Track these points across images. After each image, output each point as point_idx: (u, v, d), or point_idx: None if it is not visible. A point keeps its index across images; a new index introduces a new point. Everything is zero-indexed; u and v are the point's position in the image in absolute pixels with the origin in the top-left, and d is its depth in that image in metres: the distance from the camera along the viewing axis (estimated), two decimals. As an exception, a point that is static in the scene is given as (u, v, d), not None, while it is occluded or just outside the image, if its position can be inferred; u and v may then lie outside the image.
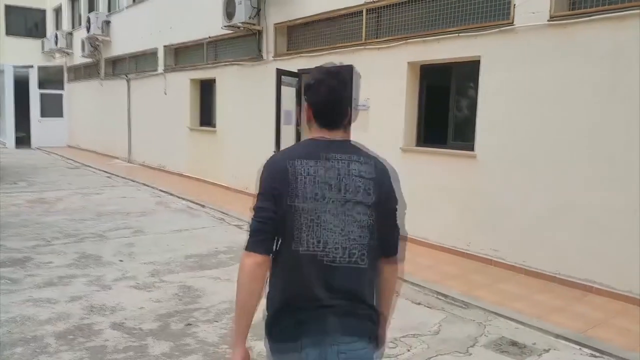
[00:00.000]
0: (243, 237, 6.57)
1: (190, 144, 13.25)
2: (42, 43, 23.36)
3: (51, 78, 21.96)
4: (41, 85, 21.45)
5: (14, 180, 12.53)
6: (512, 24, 5.98)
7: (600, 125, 5.29)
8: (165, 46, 13.87)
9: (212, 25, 11.16)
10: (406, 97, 7.31)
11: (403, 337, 4.28)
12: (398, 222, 2.12)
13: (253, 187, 10.71)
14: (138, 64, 15.86)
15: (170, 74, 13.84)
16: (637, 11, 4.96)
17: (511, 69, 6.04)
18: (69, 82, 21.99)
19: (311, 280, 1.82)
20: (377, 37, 7.74)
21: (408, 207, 7.64)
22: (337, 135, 1.98)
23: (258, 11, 9.96)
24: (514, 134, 6.05)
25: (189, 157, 13.29)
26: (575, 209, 5.52)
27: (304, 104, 2.01)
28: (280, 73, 8.60)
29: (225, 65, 11.41)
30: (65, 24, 21.93)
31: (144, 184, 12.18)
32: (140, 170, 14.78)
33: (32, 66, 21.16)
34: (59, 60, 22.67)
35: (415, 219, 7.22)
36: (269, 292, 1.97)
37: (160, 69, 14.21)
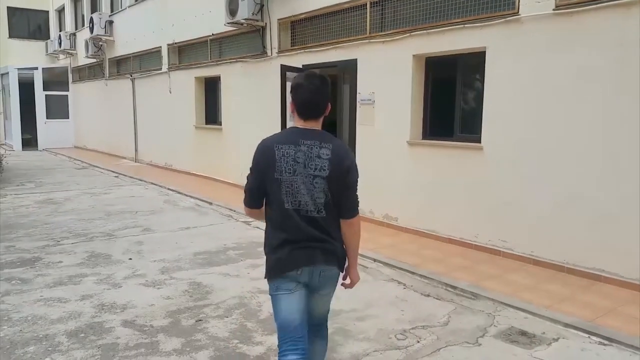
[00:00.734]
0: (251, 233, 6.69)
1: (196, 142, 13.28)
2: (46, 45, 23.45)
3: (56, 79, 22.04)
4: (46, 86, 21.53)
5: (22, 181, 12.60)
6: (517, 13, 5.95)
7: (608, 115, 5.26)
8: (168, 44, 13.89)
9: (215, 22, 11.17)
10: (412, 90, 7.29)
11: (413, 328, 4.29)
12: (352, 192, 2.78)
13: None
14: (142, 63, 15.90)
15: (174, 72, 13.86)
16: (643, -2, 4.93)
17: (517, 60, 6.02)
18: (74, 83, 22.07)
19: (295, 225, 2.67)
20: (381, 30, 7.72)
21: (415, 199, 7.72)
22: (310, 125, 2.74)
23: (261, 7, 9.95)
24: (520, 125, 6.03)
25: (195, 155, 13.33)
26: (583, 199, 5.51)
27: (290, 100, 2.78)
28: (285, 69, 8.60)
29: (230, 62, 11.42)
30: (69, 25, 21.99)
31: (152, 183, 12.23)
32: (148, 170, 14.84)
33: (36, 68, 21.24)
34: (63, 62, 22.75)
35: (422, 212, 7.24)
36: (267, 237, 2.82)
37: (165, 67, 14.23)
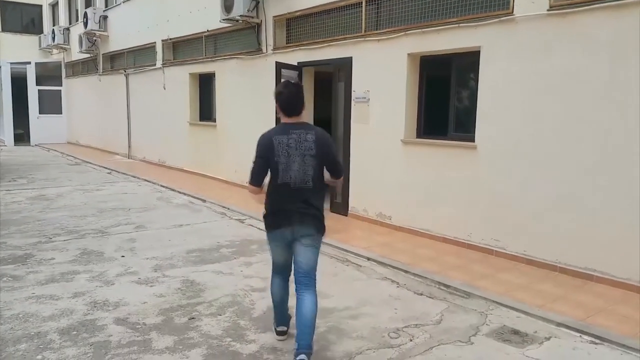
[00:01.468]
0: (245, 231, 6.70)
1: (190, 139, 13.24)
2: (39, 39, 23.31)
3: (49, 74, 21.91)
4: (39, 81, 21.41)
5: (14, 177, 12.54)
6: (511, 13, 5.96)
7: (601, 115, 5.28)
8: (163, 40, 13.83)
9: (211, 18, 11.13)
10: (406, 89, 7.29)
11: (405, 327, 4.30)
12: (337, 160, 3.89)
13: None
14: (136, 58, 15.83)
15: (168, 68, 13.81)
16: (637, -1, 4.95)
17: (511, 59, 6.03)
18: (67, 78, 21.95)
19: (287, 195, 3.63)
20: (376, 29, 7.71)
21: (409, 198, 7.79)
22: (294, 119, 3.70)
23: (257, 4, 9.93)
24: (514, 124, 6.05)
25: (189, 152, 13.29)
26: (576, 199, 5.53)
27: (276, 103, 3.73)
28: (280, 66, 8.59)
29: (225, 59, 11.39)
30: (62, 20, 21.87)
31: (145, 180, 12.19)
32: (141, 166, 14.79)
33: (29, 63, 21.09)
34: (56, 56, 22.62)
35: (416, 210, 7.25)
36: (266, 203, 3.79)
37: (159, 63, 14.18)
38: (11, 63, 20.80)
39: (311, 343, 3.57)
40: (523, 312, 4.61)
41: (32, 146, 21.02)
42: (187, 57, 13.08)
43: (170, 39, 13.52)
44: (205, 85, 12.89)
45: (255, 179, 3.70)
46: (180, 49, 13.54)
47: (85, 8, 18.01)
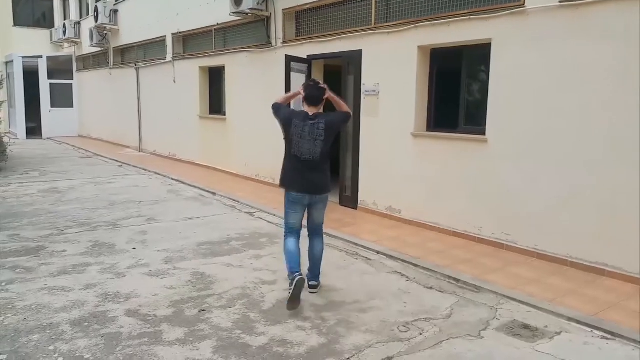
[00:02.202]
0: (254, 224, 6.74)
1: (200, 132, 13.28)
2: (51, 33, 23.40)
3: (60, 68, 22.01)
4: (50, 75, 21.50)
5: (26, 170, 12.64)
6: (523, 5, 5.91)
7: (613, 108, 5.23)
8: (173, 34, 13.85)
9: (220, 11, 11.13)
10: (416, 82, 7.26)
11: (415, 321, 4.30)
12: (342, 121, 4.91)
13: (263, 174, 10.84)
14: (147, 52, 15.87)
15: (178, 61, 13.83)
16: (651, -10, 4.88)
17: (522, 52, 5.98)
18: (78, 72, 22.05)
19: (297, 164, 4.64)
20: (386, 21, 7.68)
21: (419, 191, 7.80)
22: (314, 110, 4.72)
23: (266, -3, 9.92)
24: (526, 118, 6.00)
25: (199, 145, 13.33)
26: (587, 193, 5.49)
27: (302, 95, 4.82)
28: (289, 59, 8.58)
29: (234, 52, 11.38)
30: (73, 14, 21.94)
31: (156, 173, 12.25)
32: (151, 159, 14.86)
33: (41, 56, 21.19)
34: (67, 50, 22.72)
35: (426, 204, 7.24)
36: (283, 169, 4.79)
37: (169, 57, 14.20)
38: (23, 57, 20.90)
39: (319, 274, 4.95)
40: (534, 307, 4.59)
41: (44, 139, 21.16)
42: (197, 51, 13.10)
43: (180, 33, 13.54)
44: (215, 78, 12.91)
45: (275, 109, 4.89)
46: (190, 42, 13.56)
47: (96, 2, 18.02)
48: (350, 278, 5.38)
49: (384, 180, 7.87)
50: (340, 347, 3.83)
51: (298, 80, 8.54)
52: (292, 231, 4.83)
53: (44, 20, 24.62)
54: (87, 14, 20.27)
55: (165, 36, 14.29)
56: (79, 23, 20.99)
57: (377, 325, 4.22)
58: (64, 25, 21.15)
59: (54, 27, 23.63)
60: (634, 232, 5.12)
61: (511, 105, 6.14)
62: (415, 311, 4.51)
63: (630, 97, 5.07)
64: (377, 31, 7.77)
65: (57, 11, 24.31)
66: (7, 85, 21.62)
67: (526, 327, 4.23)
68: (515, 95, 6.09)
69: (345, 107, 4.91)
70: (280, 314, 4.38)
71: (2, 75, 15.26)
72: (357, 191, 8.38)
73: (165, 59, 14.44)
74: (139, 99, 16.46)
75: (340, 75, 8.74)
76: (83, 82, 21.74)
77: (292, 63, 8.60)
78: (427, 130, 7.39)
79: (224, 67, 11.94)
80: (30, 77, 20.88)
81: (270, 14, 10.01)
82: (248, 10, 9.93)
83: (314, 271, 4.90)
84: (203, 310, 4.43)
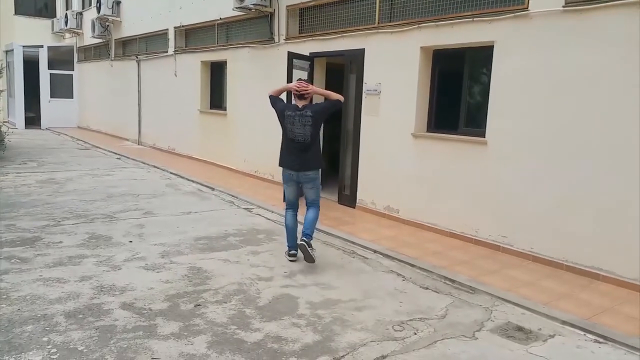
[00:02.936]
0: (252, 220, 6.75)
1: (200, 126, 13.27)
2: (52, 23, 23.34)
3: (61, 58, 21.95)
4: (51, 65, 21.45)
5: (24, 160, 12.62)
6: (526, 9, 5.91)
7: (613, 113, 5.23)
8: (175, 27, 13.83)
9: (223, 6, 11.12)
10: (418, 82, 7.26)
11: (410, 320, 4.30)
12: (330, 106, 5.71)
13: (263, 170, 10.81)
14: (148, 45, 15.84)
15: (180, 55, 13.81)
16: (654, -3, 4.88)
17: (525, 55, 5.98)
18: (79, 63, 22.01)
19: (291, 145, 5.57)
20: (390, 21, 7.67)
21: (418, 192, 7.80)
22: (302, 102, 5.57)
23: (269, -7, 9.89)
24: (525, 121, 6.01)
25: (199, 140, 13.32)
26: (585, 197, 5.50)
27: (293, 92, 5.67)
28: (291, 56, 8.56)
29: (237, 47, 11.37)
30: (75, 4, 21.88)
31: (154, 166, 12.24)
32: (151, 153, 14.84)
33: (42, 46, 21.14)
34: (68, 41, 22.67)
35: (424, 204, 7.24)
36: (280, 151, 5.69)
37: (171, 50, 14.18)
38: (24, 46, 20.85)
39: (311, 234, 5.60)
40: (528, 309, 4.60)
41: (43, 130, 21.12)
42: (199, 45, 13.08)
43: (183, 26, 13.51)
44: (216, 73, 12.89)
45: (273, 95, 5.93)
46: (192, 36, 13.53)
47: (99, -7, 18.01)
48: (347, 276, 5.38)
49: (383, 180, 7.87)
50: (334, 344, 3.83)
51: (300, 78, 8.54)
52: (289, 205, 5.86)
53: (46, 10, 24.54)
54: (90, 4, 20.23)
55: (167, 29, 14.26)
56: (81, 13, 20.93)
57: (372, 323, 4.22)
58: (66, 16, 21.10)
59: (55, 16, 23.57)
60: (629, 237, 5.14)
61: (512, 108, 6.15)
62: (410, 311, 4.52)
63: (630, 102, 5.08)
64: (380, 30, 7.76)
65: (59, 1, 24.25)
66: (6, 74, 21.57)
67: (520, 329, 4.25)
68: (516, 99, 6.09)
69: (334, 95, 5.70)
70: (275, 311, 4.39)
71: (2, 64, 15.20)
72: (356, 190, 8.38)
73: (167, 52, 14.41)
74: (139, 91, 16.43)
75: (342, 73, 8.73)
76: (83, 73, 21.69)
77: (294, 60, 8.59)
78: (427, 131, 7.39)
79: (225, 62, 11.92)
80: (31, 66, 20.83)
81: (274, 10, 10.00)
82: (252, 6, 9.91)
83: (307, 230, 5.58)
84: (198, 305, 4.43)
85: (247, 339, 3.85)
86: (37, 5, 24.48)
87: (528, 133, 5.99)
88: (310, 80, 8.81)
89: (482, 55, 6.63)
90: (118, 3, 17.15)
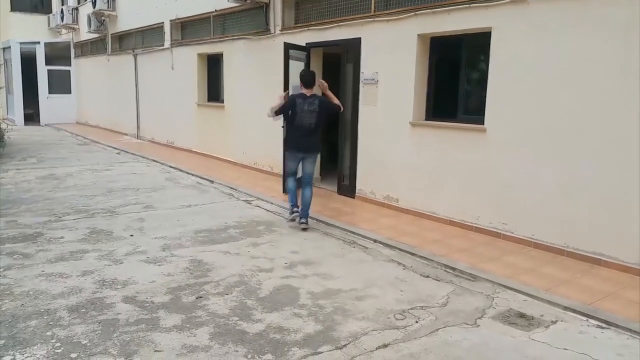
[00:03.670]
0: (252, 212, 6.77)
1: (198, 120, 13.24)
2: (48, 19, 23.22)
3: (58, 54, 21.88)
4: (48, 61, 21.40)
5: (24, 156, 12.62)
6: (523, -6, 5.88)
7: (612, 98, 5.22)
8: (171, 20, 13.77)
9: (219, -2, 11.06)
10: (415, 71, 7.23)
11: (411, 309, 4.31)
12: (333, 106, 6.72)
13: (261, 162, 10.80)
14: (145, 38, 15.78)
15: (177, 48, 13.76)
16: (652, -20, 4.85)
17: (523, 41, 5.95)
18: (76, 58, 21.94)
19: (299, 132, 6.58)
20: (386, 9, 7.63)
21: (417, 180, 7.81)
22: (308, 91, 6.61)
23: (265, -16, 9.84)
24: (525, 108, 5.99)
25: (197, 133, 13.30)
26: (584, 182, 5.49)
27: (300, 81, 6.78)
28: (288, 47, 8.53)
29: (233, 39, 11.32)
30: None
31: (153, 160, 12.23)
32: (149, 147, 14.83)
33: (38, 42, 21.07)
34: (65, 36, 22.58)
35: (423, 193, 7.24)
36: (287, 136, 6.90)
37: (167, 43, 14.13)
38: (20, 43, 20.78)
39: (308, 213, 6.73)
40: (529, 296, 4.61)
41: (42, 126, 21.10)
42: (195, 38, 13.02)
43: (179, 19, 13.46)
44: (213, 65, 12.85)
45: (279, 112, 6.68)
46: (188, 29, 13.47)
47: (94, -13, 17.91)
48: (347, 266, 5.39)
49: (381, 169, 7.87)
50: (336, 334, 3.85)
51: (296, 68, 8.52)
52: (291, 173, 6.95)
53: (42, 6, 24.43)
54: (85, -1, 20.14)
55: (163, 22, 14.20)
56: (76, 9, 20.82)
57: (374, 312, 4.24)
58: (62, 11, 20.98)
59: (51, 12, 23.46)
60: (630, 222, 5.14)
61: (510, 95, 6.13)
62: (411, 299, 4.53)
63: (630, 88, 5.06)
64: (376, 19, 7.72)
65: (55, -4, 24.13)
66: (4, 71, 21.54)
67: (522, 315, 4.26)
68: (515, 85, 6.07)
69: (336, 101, 6.75)
70: (277, 301, 4.40)
71: (-1, 61, 15.18)
72: (355, 180, 8.38)
73: (163, 45, 14.36)
74: (137, 85, 16.38)
75: (339, 63, 8.71)
76: (81, 69, 21.63)
77: (290, 51, 8.56)
78: (425, 120, 7.38)
79: (222, 54, 11.88)
80: (28, 63, 20.78)
81: (269, 1, 9.95)
82: (247, -3, 9.86)
83: (304, 212, 6.71)
84: (200, 297, 4.45)
85: (249, 330, 3.87)
86: (33, 1, 24.38)
87: (527, 120, 5.97)
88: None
89: (479, 42, 6.60)
90: (114, -3, 17.07)
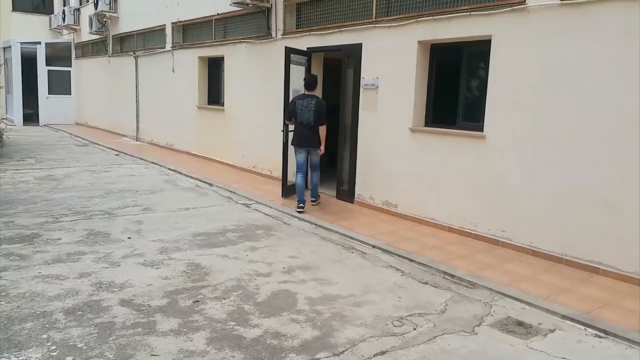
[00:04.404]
0: (251, 215, 6.75)
1: (198, 122, 13.23)
2: (50, 19, 23.23)
3: (59, 55, 21.89)
4: (49, 62, 21.39)
5: (23, 157, 12.59)
6: (524, 2, 5.88)
7: (611, 106, 5.22)
8: (173, 23, 13.78)
9: (221, 1, 11.09)
10: (416, 77, 7.24)
11: (409, 315, 4.30)
12: (322, 114, 7.67)
13: (261, 166, 10.80)
14: (146, 41, 15.78)
15: (178, 51, 13.76)
16: (653, -11, 4.86)
17: (522, 49, 5.96)
18: (77, 59, 21.94)
19: (301, 127, 7.72)
20: (387, 15, 7.64)
21: (416, 186, 7.83)
22: (309, 92, 7.75)
23: (267, -12, 9.85)
24: (524, 115, 5.99)
25: (197, 135, 13.29)
26: (584, 190, 5.49)
27: (304, 82, 7.95)
28: (289, 51, 8.53)
29: (234, 42, 11.33)
30: (73, 0, 21.79)
31: (152, 162, 12.21)
32: (149, 149, 14.82)
33: (39, 43, 21.06)
34: (66, 37, 22.59)
35: (422, 199, 7.24)
36: (293, 132, 7.93)
37: (168, 46, 14.13)
38: (21, 43, 20.77)
39: (317, 193, 8.12)
40: (528, 304, 4.60)
41: (41, 126, 21.07)
42: (196, 41, 13.03)
43: (180, 22, 13.47)
44: (214, 69, 12.85)
45: (288, 118, 7.91)
46: (189, 32, 13.48)
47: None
48: (346, 271, 5.37)
49: (381, 175, 7.86)
50: (334, 340, 3.83)
51: (297, 72, 8.53)
52: (299, 168, 7.82)
53: (44, 6, 24.44)
54: (87, 0, 20.13)
55: (165, 25, 14.21)
56: (78, 10, 20.84)
57: (371, 319, 4.22)
58: (64, 12, 20.99)
59: (53, 13, 23.47)
60: (629, 230, 5.13)
61: (510, 102, 6.13)
62: (409, 306, 4.51)
63: (629, 95, 5.06)
64: (377, 25, 7.73)
65: (57, -3, 24.16)
66: (4, 71, 21.53)
67: (520, 324, 4.24)
68: (514, 93, 6.07)
69: (323, 135, 7.73)
70: (274, 307, 4.38)
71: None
72: (354, 185, 8.37)
73: (164, 48, 14.36)
74: (137, 87, 16.38)
75: (340, 68, 8.71)
76: (81, 70, 21.62)
77: (291, 55, 8.56)
78: (425, 126, 7.38)
79: (223, 57, 11.89)
80: (28, 63, 20.77)
81: (271, 5, 9.96)
82: (249, 1, 9.88)
83: (313, 192, 8.11)
84: (197, 301, 4.43)
85: (246, 335, 3.85)
86: (35, 2, 24.38)
87: (526, 127, 5.97)
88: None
89: (479, 50, 6.60)
90: (115, -1, 17.09)
